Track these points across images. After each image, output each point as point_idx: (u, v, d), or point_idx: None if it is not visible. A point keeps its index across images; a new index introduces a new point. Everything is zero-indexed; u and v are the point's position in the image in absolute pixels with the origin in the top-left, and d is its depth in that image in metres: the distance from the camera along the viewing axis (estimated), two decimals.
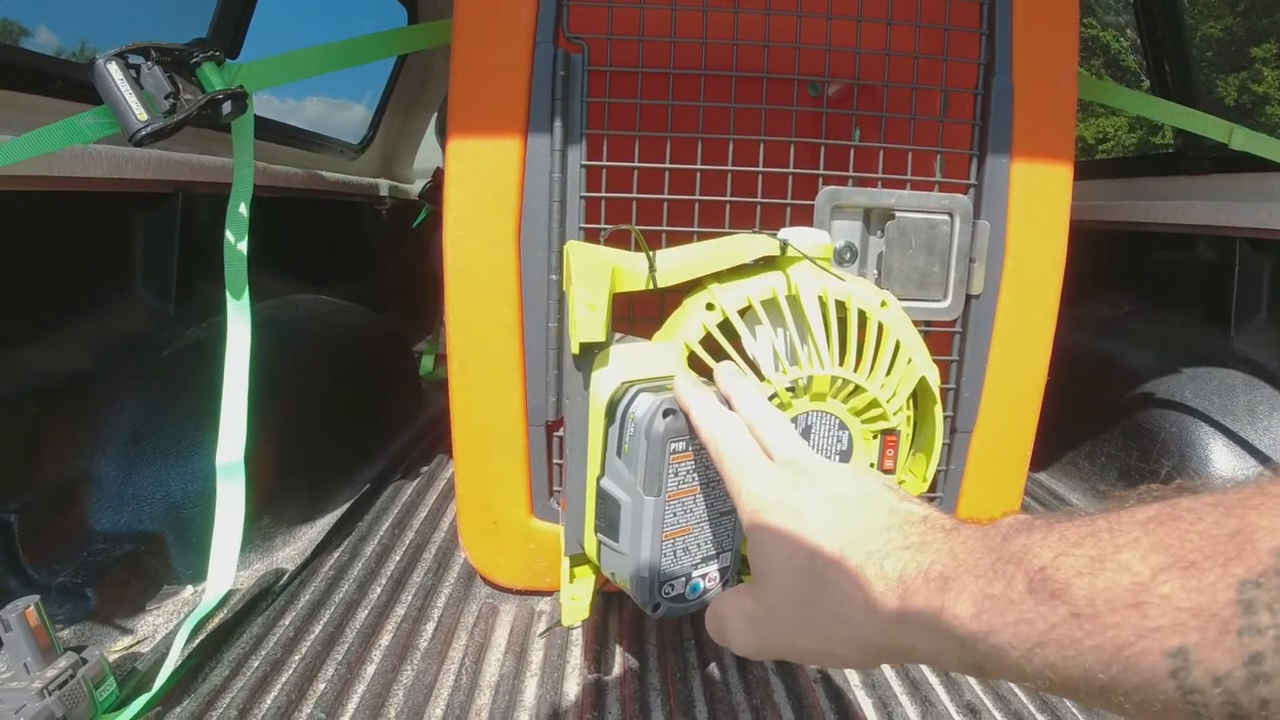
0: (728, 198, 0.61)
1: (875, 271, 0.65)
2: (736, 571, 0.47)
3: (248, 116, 0.66)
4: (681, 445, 0.41)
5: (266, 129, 1.23)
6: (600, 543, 0.46)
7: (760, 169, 0.61)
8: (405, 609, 0.66)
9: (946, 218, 0.63)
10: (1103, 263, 1.28)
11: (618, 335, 0.51)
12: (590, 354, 0.46)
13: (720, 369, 0.42)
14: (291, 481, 0.85)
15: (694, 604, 0.46)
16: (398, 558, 0.74)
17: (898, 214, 0.63)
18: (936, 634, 0.23)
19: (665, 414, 0.40)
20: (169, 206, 0.90)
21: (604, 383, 0.45)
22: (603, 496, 0.45)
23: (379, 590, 0.69)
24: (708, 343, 0.52)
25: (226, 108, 0.63)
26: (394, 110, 1.76)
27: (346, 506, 0.86)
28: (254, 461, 0.81)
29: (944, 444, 0.67)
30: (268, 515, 0.79)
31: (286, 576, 0.72)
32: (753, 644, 0.31)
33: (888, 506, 0.28)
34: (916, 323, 0.65)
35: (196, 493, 0.75)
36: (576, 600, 0.48)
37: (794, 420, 0.51)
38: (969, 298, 0.65)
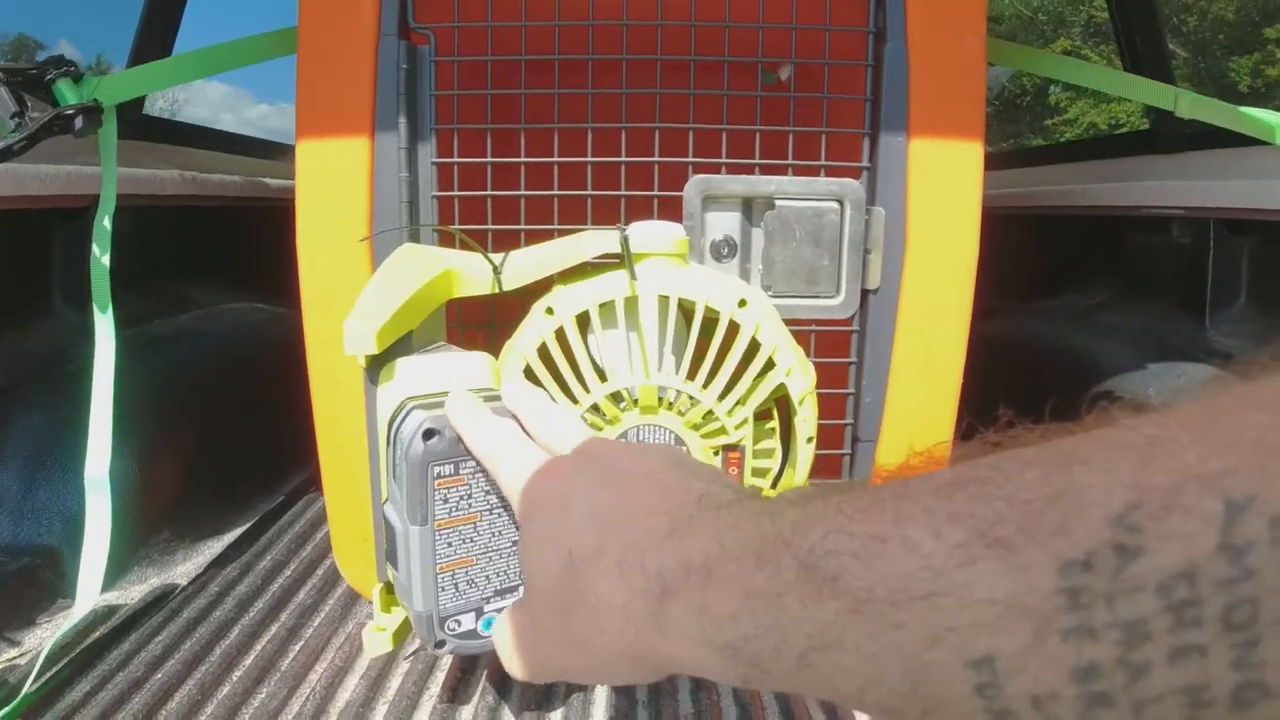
0: (589, 192, 0.57)
1: (760, 267, 0.59)
2: None
3: (109, 130, 0.65)
4: (448, 469, 0.37)
5: (207, 139, 1.23)
6: (390, 572, 0.43)
7: (623, 159, 0.56)
8: (278, 628, 0.64)
9: (835, 205, 0.58)
10: (1072, 252, 1.20)
11: (439, 344, 0.47)
12: (377, 367, 0.42)
13: (506, 388, 0.38)
14: (200, 494, 0.83)
15: (490, 641, 0.42)
16: (288, 573, 0.72)
17: (778, 203, 0.57)
18: (699, 642, 0.19)
19: (426, 435, 0.36)
20: (83, 220, 0.90)
21: (386, 400, 0.41)
22: (386, 523, 0.42)
23: (257, 609, 0.67)
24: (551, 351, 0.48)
25: (78, 123, 0.62)
26: None
27: (254, 521, 0.85)
28: (155, 474, 0.80)
29: (846, 455, 0.62)
30: (167, 529, 0.78)
31: (176, 592, 0.71)
32: (524, 665, 0.27)
33: (663, 485, 0.23)
34: (805, 322, 0.59)
35: None
36: (382, 631, 0.44)
37: (624, 436, 0.46)
38: (865, 293, 0.60)
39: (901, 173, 0.58)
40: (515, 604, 0.29)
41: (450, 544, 0.38)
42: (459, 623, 0.40)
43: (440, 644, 0.40)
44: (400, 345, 0.43)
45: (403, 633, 0.45)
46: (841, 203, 0.57)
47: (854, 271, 0.58)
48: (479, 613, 0.40)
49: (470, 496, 0.38)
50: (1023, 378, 0.99)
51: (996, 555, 0.14)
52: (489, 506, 0.39)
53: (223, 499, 0.86)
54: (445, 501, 0.37)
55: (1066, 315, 1.11)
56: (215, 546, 0.80)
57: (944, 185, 0.59)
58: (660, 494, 0.23)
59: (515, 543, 0.40)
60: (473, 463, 0.37)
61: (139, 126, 1.03)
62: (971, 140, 0.59)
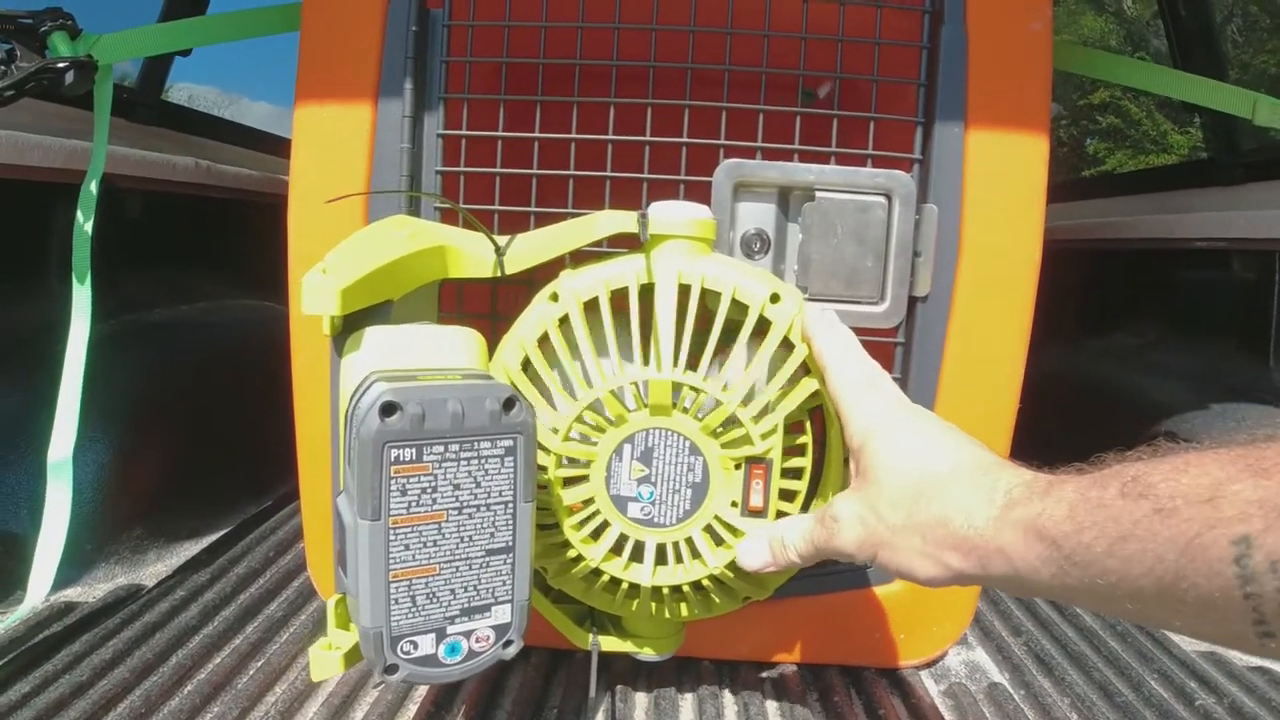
0: (608, 173, 0.52)
1: (796, 266, 0.53)
2: (522, 632, 0.36)
3: (104, 92, 0.62)
4: (409, 453, 0.31)
5: (226, 131, 1.20)
6: (342, 578, 0.36)
7: (647, 139, 0.51)
8: (240, 641, 0.58)
9: (882, 199, 0.52)
10: (1125, 286, 1.12)
11: (422, 325, 0.41)
12: (344, 335, 0.37)
13: (812, 312, 0.40)
14: (183, 493, 0.78)
15: (457, 669, 0.35)
16: (260, 583, 0.66)
17: (818, 194, 0.51)
18: (1030, 534, 0.26)
19: (385, 409, 0.30)
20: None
21: (351, 373, 0.35)
22: (339, 518, 0.35)
23: (222, 618, 0.60)
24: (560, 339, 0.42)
25: (69, 76, 0.58)
26: None
27: (236, 524, 0.79)
28: (135, 467, 0.75)
29: None
30: (142, 526, 0.72)
31: (142, 593, 0.65)
32: (855, 540, 0.33)
33: (990, 454, 0.32)
34: None
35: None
36: (331, 650, 0.38)
37: (630, 440, 0.40)
38: (913, 300, 0.53)
39: (958, 166, 0.52)
40: (849, 495, 0.34)
41: (408, 546, 0.32)
42: (415, 645, 0.33)
43: (391, 669, 0.33)
44: (374, 315, 0.38)
45: (357, 654, 0.38)
46: (889, 197, 0.51)
47: (901, 276, 0.52)
48: (440, 635, 0.34)
49: (435, 490, 0.32)
50: (1073, 418, 0.91)
51: (1261, 477, 0.21)
52: (458, 504, 0.32)
53: (207, 499, 0.81)
54: (403, 493, 0.31)
55: (1119, 354, 1.03)
56: (191, 549, 0.74)
57: (1005, 182, 0.52)
58: (994, 454, 0.32)
59: (491, 552, 0.33)
60: (440, 449, 0.31)
61: (157, 112, 1.01)
62: (1036, 133, 0.53)
